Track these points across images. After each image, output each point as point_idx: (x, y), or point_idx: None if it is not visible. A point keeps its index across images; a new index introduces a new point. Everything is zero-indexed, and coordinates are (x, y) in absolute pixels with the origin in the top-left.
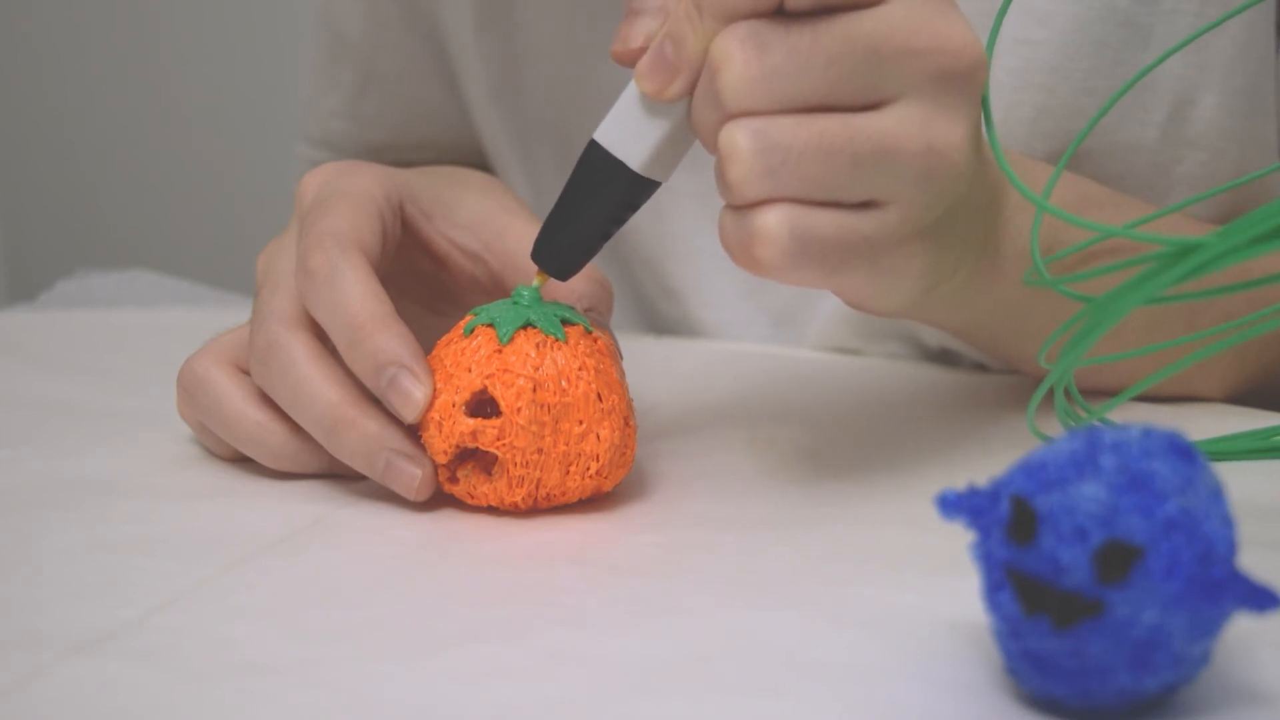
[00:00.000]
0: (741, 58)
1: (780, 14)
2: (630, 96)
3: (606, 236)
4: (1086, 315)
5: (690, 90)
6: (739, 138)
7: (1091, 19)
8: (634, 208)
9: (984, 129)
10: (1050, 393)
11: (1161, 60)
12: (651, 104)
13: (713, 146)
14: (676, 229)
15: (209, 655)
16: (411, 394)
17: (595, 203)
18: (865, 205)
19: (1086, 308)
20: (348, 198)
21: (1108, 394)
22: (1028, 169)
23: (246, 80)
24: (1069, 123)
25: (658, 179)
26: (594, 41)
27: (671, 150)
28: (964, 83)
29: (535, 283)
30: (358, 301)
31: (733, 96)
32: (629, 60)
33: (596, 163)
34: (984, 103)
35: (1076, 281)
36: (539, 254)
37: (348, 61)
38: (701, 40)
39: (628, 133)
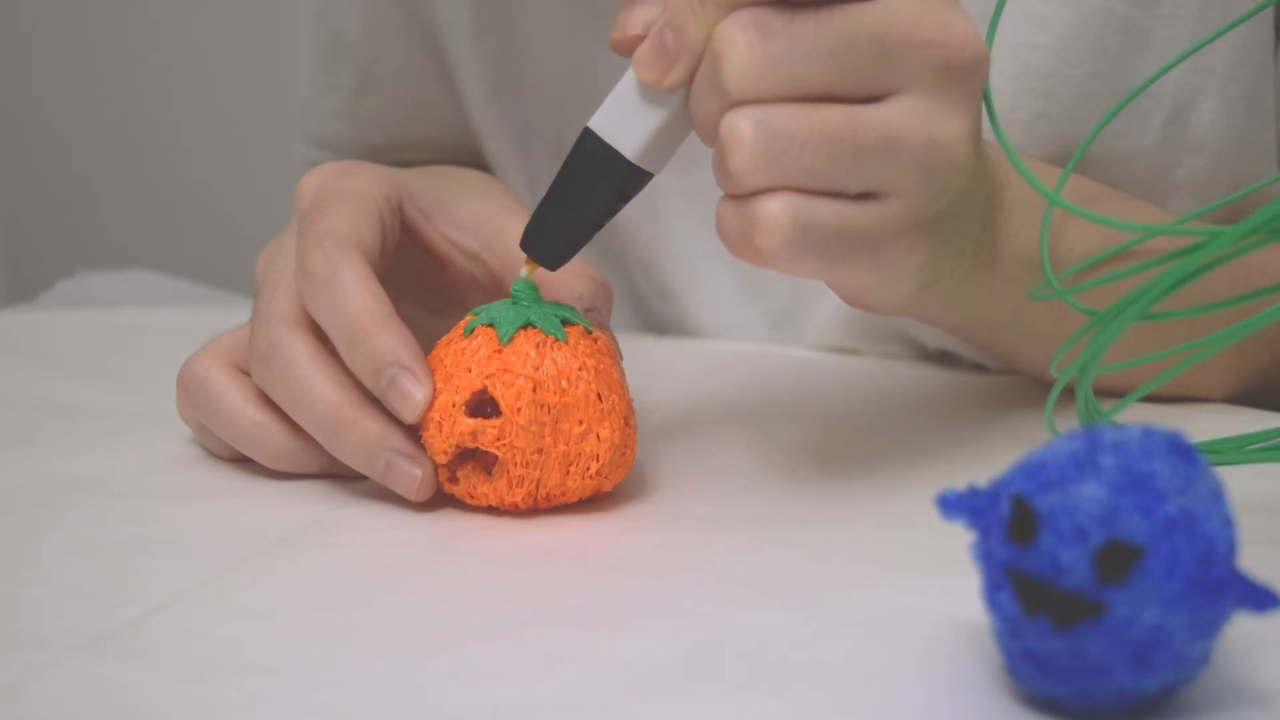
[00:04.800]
0: (745, 43)
1: (783, 3)
2: (627, 85)
3: (598, 227)
4: (1097, 322)
5: (689, 79)
6: (741, 125)
7: (1090, 24)
8: (626, 198)
9: (987, 124)
10: (1063, 394)
11: (1164, 71)
12: (648, 93)
13: (712, 136)
14: (672, 230)
15: (209, 655)
16: (411, 394)
17: (588, 192)
18: (866, 197)
19: (1101, 314)
20: (347, 198)
21: (1107, 392)
22: (1029, 168)
23: (246, 80)
24: (1067, 127)
25: (651, 170)
26: (591, 43)
27: (667, 141)
28: (966, 77)
29: (523, 272)
30: (357, 302)
31: (736, 83)
32: (627, 48)
33: (591, 151)
34: (986, 97)
35: (1085, 291)
36: (528, 242)
37: (347, 62)
38: (703, 28)
39: (623, 121)
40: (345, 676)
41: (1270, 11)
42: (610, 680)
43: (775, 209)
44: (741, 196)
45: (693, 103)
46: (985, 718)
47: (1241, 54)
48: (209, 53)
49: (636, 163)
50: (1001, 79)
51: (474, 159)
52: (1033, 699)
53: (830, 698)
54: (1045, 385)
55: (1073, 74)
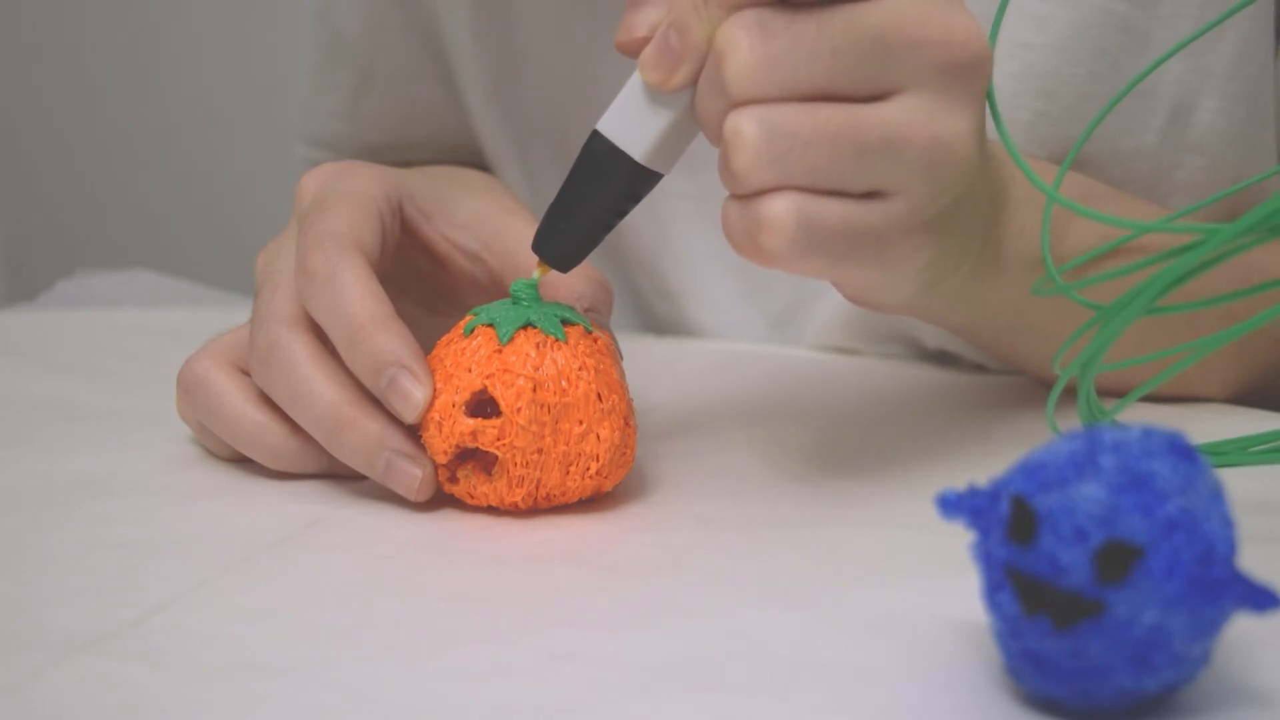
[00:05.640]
0: (747, 43)
1: (786, 3)
2: (634, 87)
3: (608, 228)
4: (1101, 317)
5: (694, 80)
6: (744, 125)
7: (1090, 24)
8: (636, 199)
9: (991, 123)
10: (1063, 393)
11: (1159, 63)
12: (655, 94)
13: (717, 136)
14: (674, 231)
15: (209, 655)
16: (411, 394)
17: (597, 193)
18: (870, 196)
19: (1105, 309)
20: (347, 198)
21: (1109, 392)
22: (1032, 167)
23: (246, 80)
24: (1068, 128)
25: (660, 170)
26: (591, 43)
27: (674, 141)
28: (969, 75)
29: (535, 274)
30: (357, 302)
31: (738, 83)
32: (633, 50)
33: (599, 153)
34: (989, 96)
35: (1087, 286)
36: (540, 245)
37: (347, 62)
38: (707, 28)
39: (631, 123)
40: (345, 676)
41: (1270, 12)
42: (610, 680)
43: (780, 208)
44: (746, 196)
45: (698, 102)
46: (985, 718)
47: (1242, 54)
48: (209, 53)
49: (645, 164)
50: (1002, 79)
51: (474, 159)
52: (1033, 699)
53: (830, 698)
54: (1046, 385)
55: (1073, 74)
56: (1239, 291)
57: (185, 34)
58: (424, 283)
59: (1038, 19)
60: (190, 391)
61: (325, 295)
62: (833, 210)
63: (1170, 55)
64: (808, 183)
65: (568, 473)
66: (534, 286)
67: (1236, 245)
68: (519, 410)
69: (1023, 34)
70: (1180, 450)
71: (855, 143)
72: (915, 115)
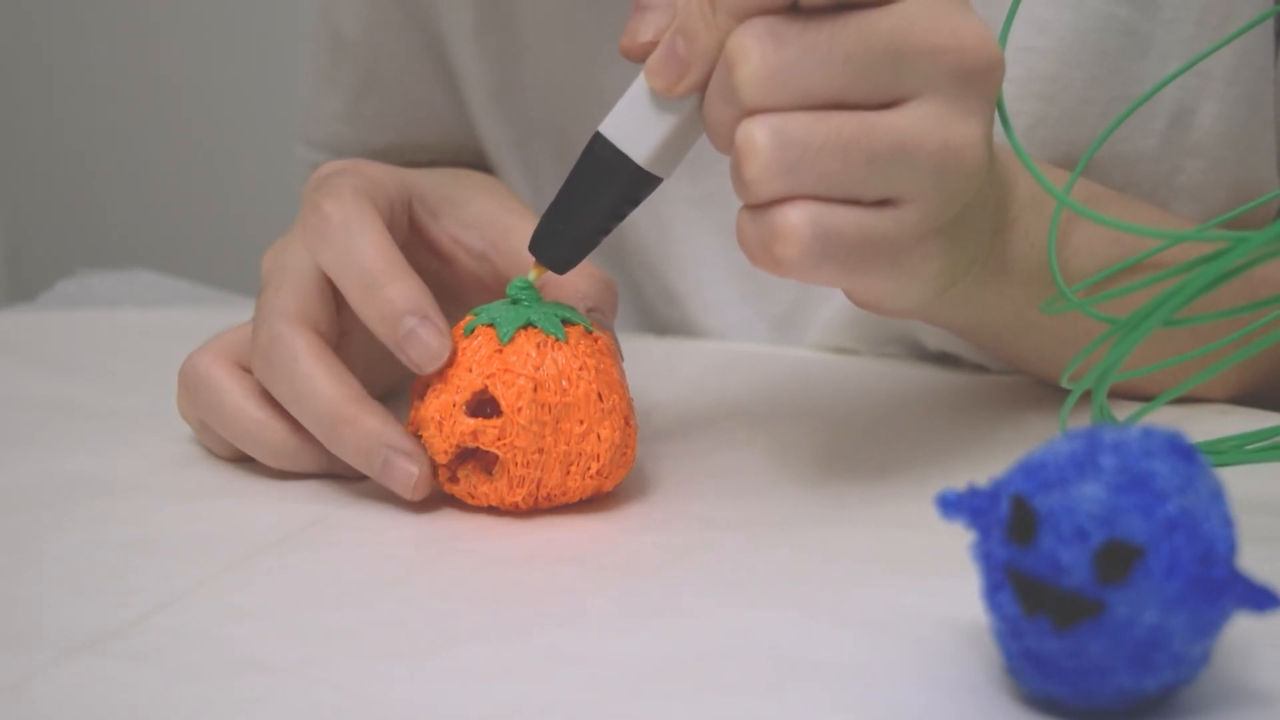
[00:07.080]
0: (759, 52)
1: (795, 11)
2: (638, 91)
3: (606, 231)
4: (1120, 329)
5: (700, 86)
6: (756, 134)
7: (1091, 27)
8: (635, 203)
9: (1000, 128)
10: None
11: (1168, 81)
12: (659, 99)
13: (726, 144)
14: (677, 233)
15: (209, 655)
16: (430, 344)
17: (597, 196)
18: (883, 204)
19: (1124, 320)
20: (359, 177)
21: (1111, 393)
22: (1038, 169)
23: (246, 80)
24: (1068, 131)
25: (661, 175)
26: (594, 44)
27: (677, 146)
28: (980, 81)
29: (531, 275)
30: (373, 249)
31: (749, 92)
32: (638, 55)
33: (600, 155)
34: (999, 102)
35: (1099, 302)
36: (537, 246)
37: (348, 63)
38: (715, 36)
39: (634, 127)
40: (345, 676)
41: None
42: (610, 680)
43: (794, 218)
44: (760, 206)
45: (706, 110)
46: (985, 718)
47: (1242, 57)
48: (209, 53)
49: (646, 168)
50: (1005, 83)
51: (477, 161)
52: (1033, 699)
53: (829, 698)
54: (1047, 386)
55: (1074, 78)
56: (1251, 304)
57: (185, 34)
58: (429, 282)
59: (1039, 23)
60: (191, 388)
61: (340, 241)
62: (847, 219)
63: (1182, 71)
64: (820, 191)
65: (568, 473)
66: (531, 286)
67: (1264, 253)
68: (519, 410)
69: (1024, 38)
70: (1180, 450)
71: (867, 150)
72: (926, 122)
